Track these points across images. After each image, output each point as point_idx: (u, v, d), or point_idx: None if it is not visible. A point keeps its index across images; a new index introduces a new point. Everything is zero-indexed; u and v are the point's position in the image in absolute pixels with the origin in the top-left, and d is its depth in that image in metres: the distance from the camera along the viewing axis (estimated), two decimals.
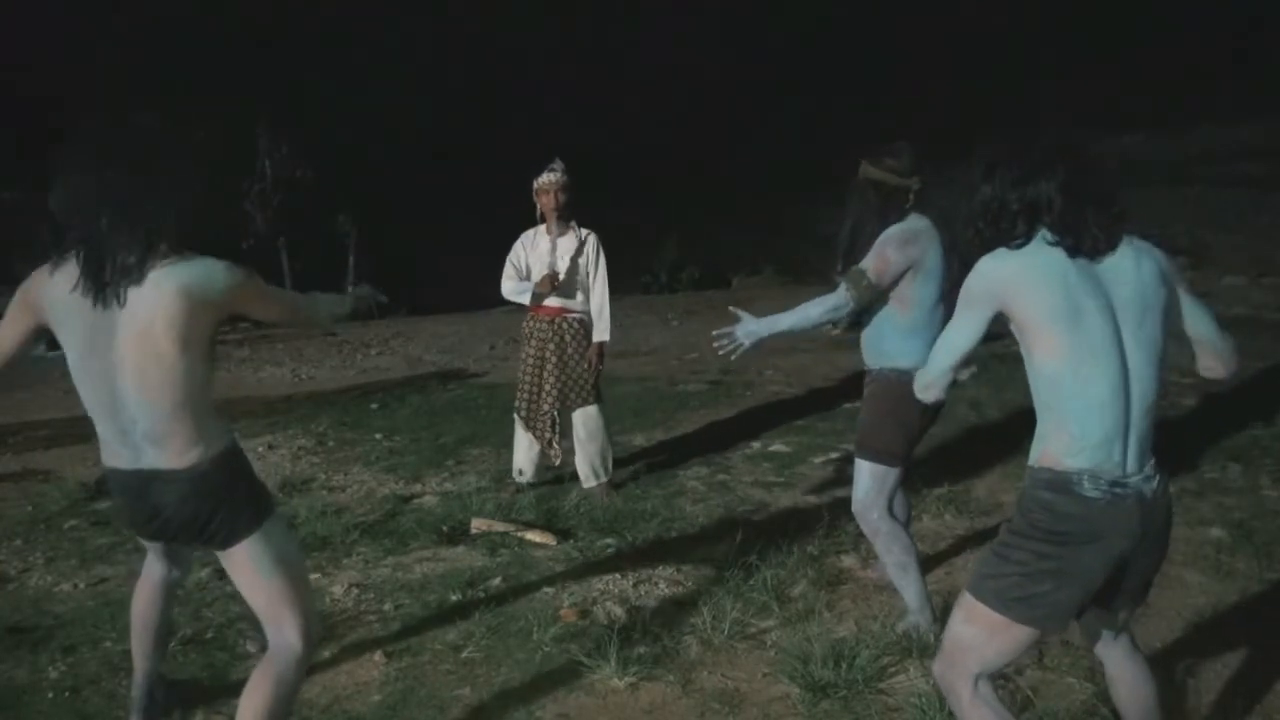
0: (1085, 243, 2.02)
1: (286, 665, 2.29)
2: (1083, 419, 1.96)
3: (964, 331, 2.13)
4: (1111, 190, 2.07)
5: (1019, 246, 2.06)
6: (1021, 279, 2.02)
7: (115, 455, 2.28)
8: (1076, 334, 1.96)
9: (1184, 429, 5.60)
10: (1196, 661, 3.04)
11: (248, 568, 2.29)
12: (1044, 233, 2.05)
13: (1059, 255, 2.02)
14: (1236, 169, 18.76)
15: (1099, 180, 2.07)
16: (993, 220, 2.11)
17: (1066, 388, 1.97)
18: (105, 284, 2.12)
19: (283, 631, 2.31)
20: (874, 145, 3.27)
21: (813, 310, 3.08)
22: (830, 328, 3.42)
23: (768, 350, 9.47)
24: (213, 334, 2.22)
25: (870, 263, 3.06)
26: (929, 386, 2.24)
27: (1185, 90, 23.25)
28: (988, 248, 2.12)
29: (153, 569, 2.73)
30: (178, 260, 2.14)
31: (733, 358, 3.12)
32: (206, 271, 2.16)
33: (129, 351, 2.14)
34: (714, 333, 3.15)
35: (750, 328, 3.11)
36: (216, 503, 2.23)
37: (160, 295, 2.10)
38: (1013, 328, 2.08)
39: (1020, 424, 5.93)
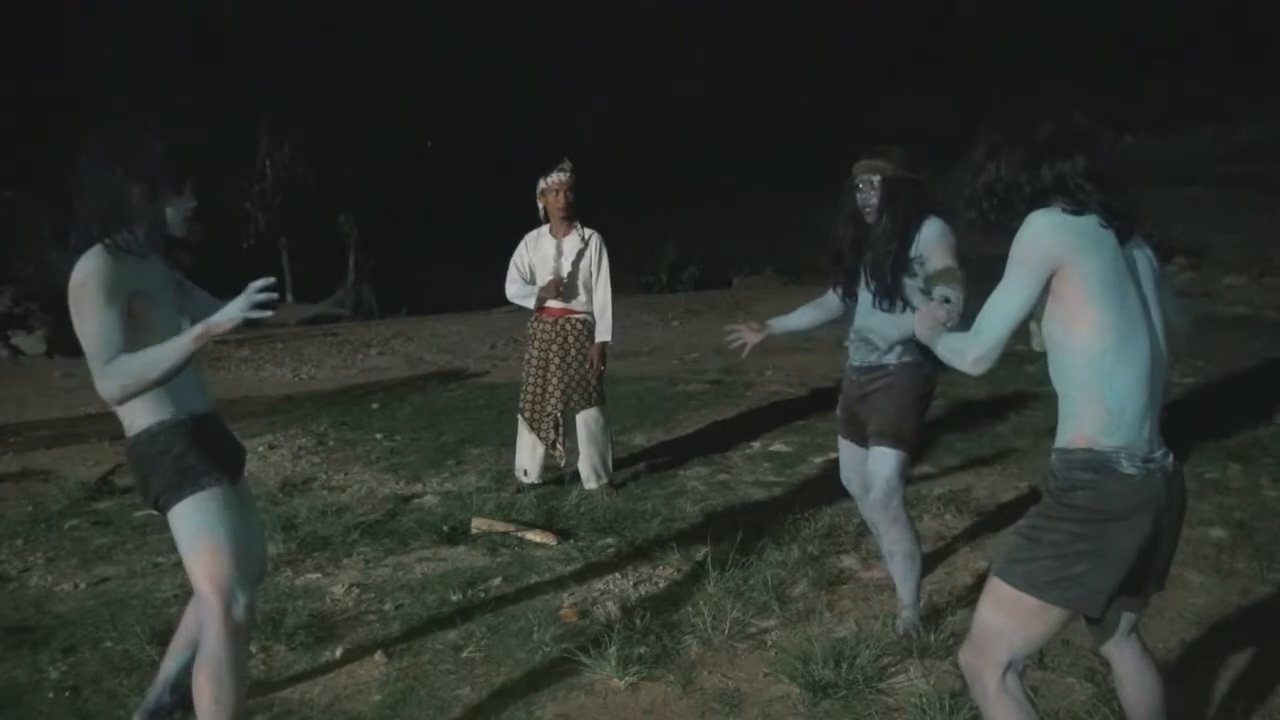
0: (1127, 227, 2.00)
1: (213, 655, 2.35)
2: (1121, 397, 1.96)
3: (1018, 294, 1.99)
4: (1125, 177, 2.05)
5: (1075, 213, 1.99)
6: (1085, 243, 1.96)
7: None
8: (1123, 310, 1.95)
9: (1184, 429, 5.60)
10: (1197, 661, 3.05)
11: (176, 538, 2.42)
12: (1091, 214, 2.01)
13: (1108, 233, 1.99)
14: (1236, 169, 18.75)
15: (1116, 166, 2.04)
16: (1001, 203, 2.07)
17: (1108, 365, 1.95)
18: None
19: (204, 612, 2.38)
20: (877, 148, 3.29)
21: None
22: (744, 336, 3.61)
23: (768, 350, 9.47)
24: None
25: (946, 263, 3.07)
26: (981, 359, 2.04)
27: (1185, 90, 23.26)
28: (995, 230, 2.08)
29: None
30: (84, 254, 2.30)
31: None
32: (76, 265, 2.28)
33: None
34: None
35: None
36: (144, 472, 2.42)
37: None
38: (1051, 301, 1.99)
39: (1020, 423, 5.96)
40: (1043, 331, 2.05)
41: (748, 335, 3.60)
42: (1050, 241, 1.96)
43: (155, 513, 2.53)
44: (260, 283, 2.22)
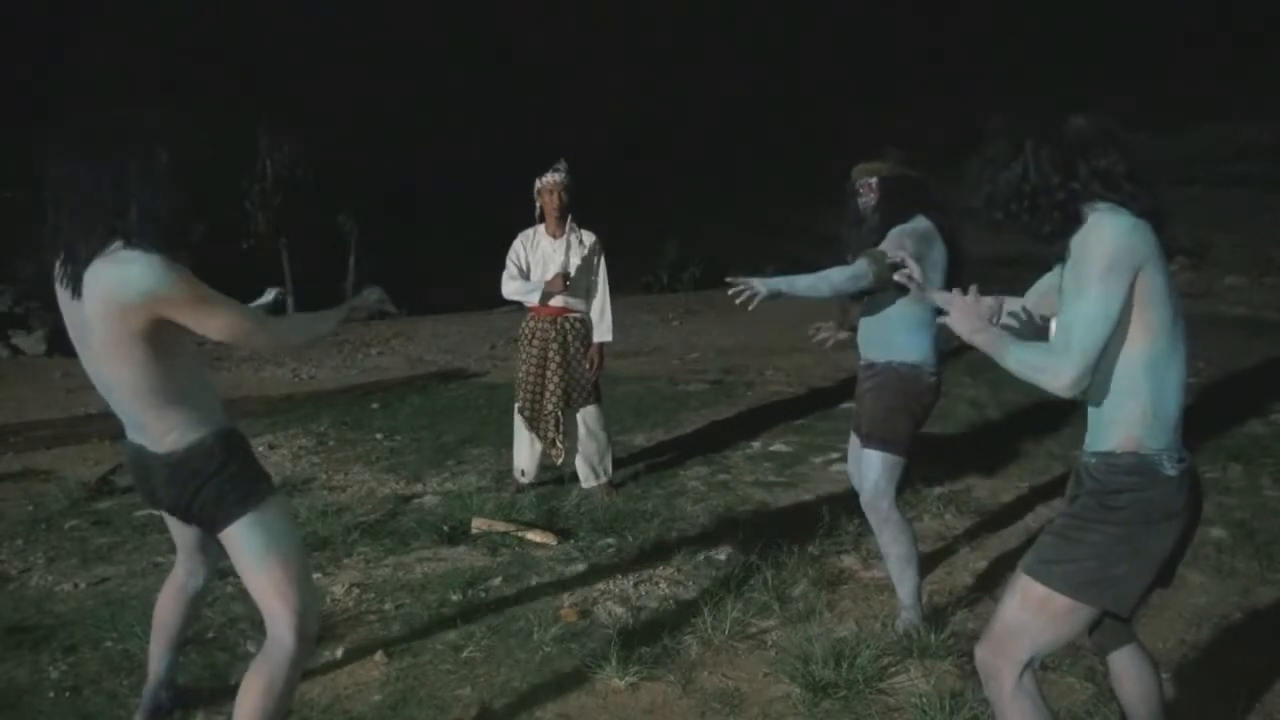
0: (1161, 226, 1.97)
1: (278, 662, 2.28)
2: (1168, 400, 1.96)
3: (1110, 302, 1.86)
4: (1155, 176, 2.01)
5: (1138, 213, 1.92)
6: (1155, 244, 1.91)
7: (126, 427, 2.37)
8: (1174, 313, 1.94)
9: (1185, 429, 5.60)
10: (1196, 661, 3.05)
11: (237, 554, 2.32)
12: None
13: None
14: (1237, 169, 18.74)
15: (1146, 164, 1.99)
16: (1031, 205, 2.01)
17: (1160, 369, 1.94)
18: (69, 274, 2.18)
19: (274, 625, 2.30)
20: (879, 149, 3.33)
21: (834, 275, 3.11)
22: (829, 334, 3.48)
23: (768, 350, 9.49)
24: (156, 331, 2.15)
25: (886, 247, 3.11)
26: (1081, 378, 1.89)
27: (1185, 90, 23.25)
28: (1026, 230, 2.03)
29: (176, 571, 2.78)
30: (112, 259, 2.12)
31: (749, 307, 3.01)
32: (125, 275, 2.10)
33: (94, 341, 2.20)
34: (728, 279, 3.05)
35: (768, 280, 3.05)
36: (196, 487, 2.27)
37: (92, 292, 2.13)
38: None
39: (1020, 424, 5.97)
40: None
41: (832, 334, 3.57)
42: (1135, 243, 1.88)
43: (157, 513, 2.49)
44: (374, 290, 2.71)
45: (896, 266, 3.07)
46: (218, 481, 2.27)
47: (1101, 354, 1.89)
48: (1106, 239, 1.89)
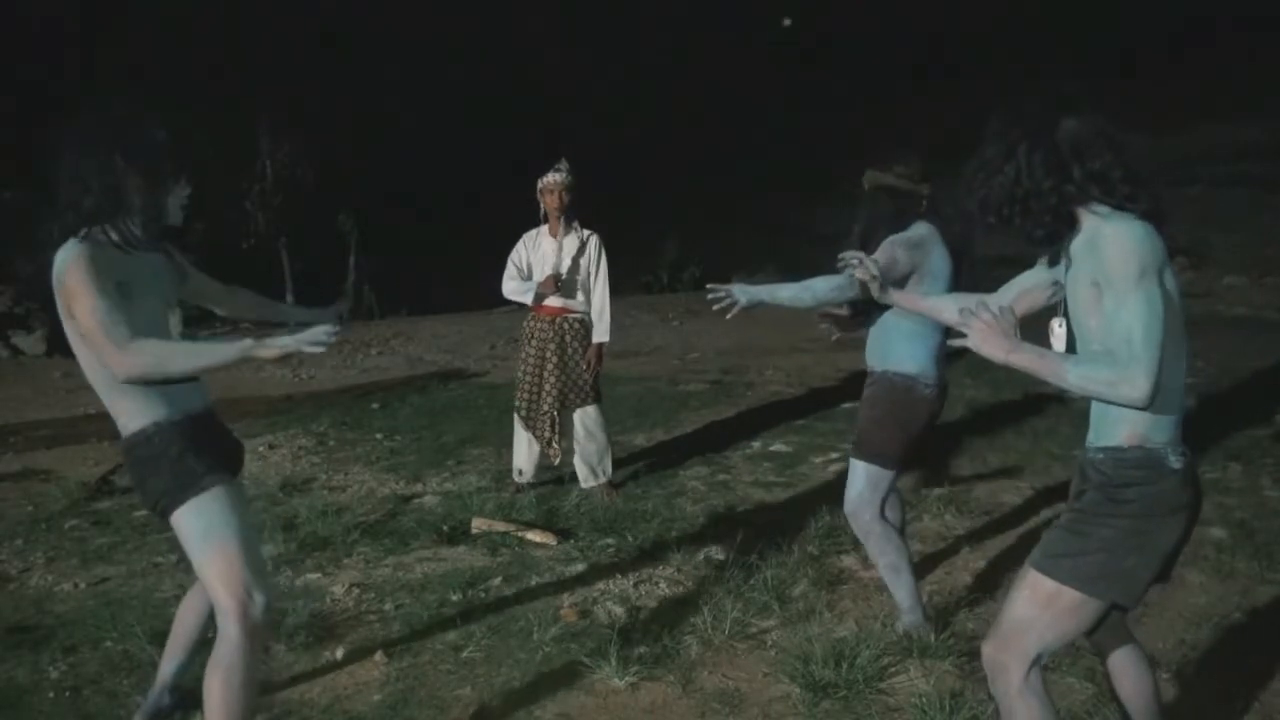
0: (1163, 226, 1.96)
1: (228, 653, 2.28)
2: (1173, 396, 1.98)
3: (1154, 306, 1.85)
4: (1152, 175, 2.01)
5: (1141, 215, 1.93)
6: (1164, 248, 1.92)
7: None
8: (1178, 311, 1.95)
9: (1184, 429, 5.59)
10: (1196, 661, 3.05)
11: (183, 542, 2.35)
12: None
13: None
14: (1237, 169, 18.74)
15: (1142, 164, 1.99)
16: (1023, 209, 2.00)
17: (1166, 366, 1.92)
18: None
19: (219, 615, 2.31)
20: (882, 152, 3.29)
21: (818, 285, 3.00)
22: (830, 331, 3.44)
23: (768, 350, 9.49)
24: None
25: (879, 257, 3.06)
26: (1154, 386, 1.84)
27: (1186, 90, 23.25)
28: (1024, 234, 2.02)
29: None
30: (67, 244, 2.24)
31: (727, 316, 2.92)
32: (57, 258, 2.23)
33: None
34: (709, 285, 2.97)
35: (749, 289, 2.94)
36: (142, 474, 2.35)
37: None
38: None
39: (1020, 425, 5.96)
40: (1086, 332, 1.98)
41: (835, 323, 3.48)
42: (1154, 245, 1.89)
43: (154, 515, 2.49)
44: (327, 328, 2.17)
45: (878, 278, 3.04)
46: (159, 469, 2.31)
47: (1160, 358, 1.85)
48: (1127, 244, 1.88)
